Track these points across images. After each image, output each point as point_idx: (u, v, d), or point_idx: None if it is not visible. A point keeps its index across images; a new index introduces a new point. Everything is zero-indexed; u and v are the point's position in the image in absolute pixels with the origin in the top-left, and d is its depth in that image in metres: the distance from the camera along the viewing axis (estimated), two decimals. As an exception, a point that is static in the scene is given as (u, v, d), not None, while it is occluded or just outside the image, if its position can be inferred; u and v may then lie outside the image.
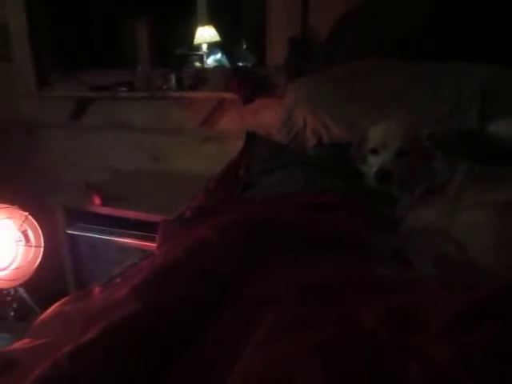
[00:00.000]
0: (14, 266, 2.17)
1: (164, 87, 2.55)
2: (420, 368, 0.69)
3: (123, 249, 2.23)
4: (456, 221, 1.17)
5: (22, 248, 2.19)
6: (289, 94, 1.98)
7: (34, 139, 3.09)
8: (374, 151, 1.38)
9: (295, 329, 0.79)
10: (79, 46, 3.04)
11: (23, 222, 2.18)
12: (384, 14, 1.96)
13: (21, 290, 2.30)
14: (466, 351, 0.70)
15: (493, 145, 1.41)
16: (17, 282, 2.21)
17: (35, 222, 2.24)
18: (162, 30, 2.91)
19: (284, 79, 2.16)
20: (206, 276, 0.95)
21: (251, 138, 1.80)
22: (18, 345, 0.95)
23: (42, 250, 2.23)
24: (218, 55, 2.98)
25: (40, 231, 2.24)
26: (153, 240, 1.65)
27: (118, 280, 1.18)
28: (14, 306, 2.30)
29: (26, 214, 2.20)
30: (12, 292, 2.29)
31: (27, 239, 2.21)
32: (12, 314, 2.29)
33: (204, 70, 2.70)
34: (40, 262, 2.22)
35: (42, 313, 1.11)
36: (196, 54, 2.84)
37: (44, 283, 2.22)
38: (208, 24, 2.98)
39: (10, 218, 2.17)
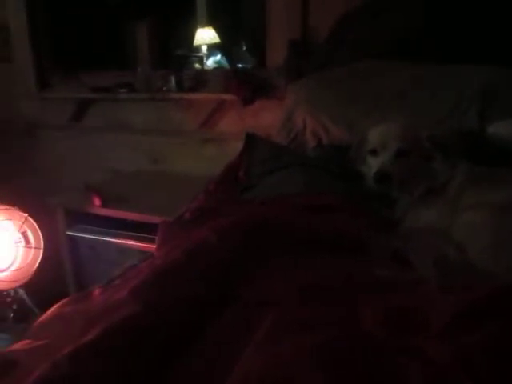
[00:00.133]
0: (13, 268, 2.17)
1: (164, 89, 2.55)
2: (420, 368, 0.69)
3: (123, 250, 2.23)
4: (455, 221, 1.17)
5: (21, 249, 2.19)
6: (289, 95, 1.98)
7: (35, 140, 3.09)
8: (374, 152, 1.38)
9: (295, 330, 0.79)
10: (79, 47, 3.04)
11: (23, 223, 2.18)
12: (384, 14, 1.97)
13: (21, 292, 2.30)
14: (465, 351, 0.70)
15: (492, 146, 1.41)
16: (17, 284, 2.21)
17: (35, 224, 2.24)
18: (162, 31, 2.92)
19: (284, 80, 2.16)
20: (206, 277, 0.95)
21: (251, 139, 1.80)
22: (17, 346, 0.95)
23: (41, 251, 2.23)
24: (218, 57, 2.98)
25: (40, 232, 2.24)
26: (152, 241, 1.65)
27: (117, 281, 1.18)
28: (14, 307, 2.30)
29: (26, 215, 2.20)
30: (12, 293, 2.29)
31: (27, 240, 2.21)
32: (12, 315, 2.29)
33: (204, 72, 2.70)
34: (40, 264, 2.22)
35: (42, 314, 1.11)
36: (196, 56, 2.85)
37: (44, 284, 2.22)
38: (208, 25, 2.98)
39: (10, 219, 2.17)
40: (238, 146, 1.87)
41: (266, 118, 2.34)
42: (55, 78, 2.99)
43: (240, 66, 2.85)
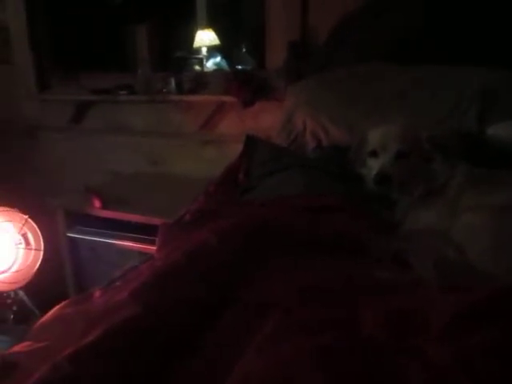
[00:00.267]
0: (14, 269, 2.17)
1: (164, 91, 2.55)
2: (420, 370, 0.69)
3: (123, 252, 2.24)
4: (455, 223, 1.17)
5: (22, 251, 2.20)
6: (288, 97, 1.98)
7: (35, 141, 3.09)
8: (374, 154, 1.38)
9: (295, 331, 0.79)
10: (80, 48, 3.04)
11: (23, 225, 2.19)
12: (385, 15, 1.97)
13: (21, 293, 2.30)
14: (465, 353, 0.70)
15: (492, 147, 1.41)
16: (17, 285, 2.21)
17: (35, 225, 2.24)
18: (162, 32, 2.92)
19: (283, 82, 2.16)
20: (206, 279, 0.95)
21: (251, 141, 1.81)
22: (18, 347, 0.95)
23: (41, 252, 2.23)
24: (218, 58, 2.99)
25: (40, 234, 2.24)
26: (152, 243, 1.65)
27: (118, 283, 1.18)
28: (14, 308, 2.30)
29: (26, 217, 2.20)
30: (12, 295, 2.29)
31: (27, 242, 2.21)
32: (12, 316, 2.29)
33: (204, 74, 2.71)
34: (40, 265, 2.22)
35: (42, 315, 1.11)
36: (196, 58, 2.85)
37: (44, 286, 2.22)
38: (207, 27, 2.99)
39: (11, 221, 2.18)
40: (237, 147, 1.87)
41: (266, 119, 2.34)
42: (55, 79, 2.99)
43: (240, 67, 2.85)
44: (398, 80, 1.75)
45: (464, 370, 0.68)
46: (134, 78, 2.68)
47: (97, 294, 1.12)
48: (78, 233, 2.38)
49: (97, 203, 2.25)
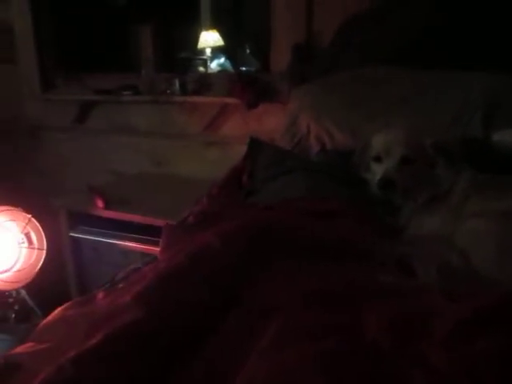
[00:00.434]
0: (16, 268, 2.17)
1: (168, 91, 2.56)
2: (423, 376, 0.69)
3: (126, 252, 2.24)
4: (459, 229, 1.17)
5: (24, 250, 2.19)
6: (292, 100, 1.98)
7: (38, 141, 3.10)
8: (378, 158, 1.38)
9: (299, 336, 0.79)
10: (84, 49, 3.04)
11: (26, 224, 2.19)
12: (389, 17, 1.97)
13: (23, 292, 2.30)
14: (469, 359, 0.70)
15: (497, 153, 1.41)
16: (19, 284, 2.21)
17: (38, 225, 2.24)
18: (167, 33, 2.92)
19: (288, 85, 2.16)
20: (209, 282, 0.95)
21: (255, 143, 1.81)
22: (21, 349, 0.95)
23: (44, 252, 2.23)
24: (222, 59, 2.99)
25: (43, 234, 2.24)
26: (155, 244, 1.66)
27: (121, 285, 1.18)
28: (16, 308, 2.30)
29: (30, 216, 2.20)
30: (14, 294, 2.29)
31: (30, 241, 2.21)
32: (13, 316, 2.29)
33: (208, 75, 2.71)
34: (42, 265, 2.22)
35: (44, 315, 1.11)
36: (200, 59, 2.86)
37: (46, 286, 2.22)
38: (212, 28, 2.99)
39: (14, 220, 2.18)
40: (241, 149, 1.87)
41: (270, 122, 2.34)
42: (59, 79, 3.00)
43: (244, 69, 2.85)
44: (401, 84, 1.76)
45: (468, 376, 0.67)
46: (138, 78, 2.69)
47: (100, 295, 1.11)
48: (80, 233, 2.37)
49: (100, 203, 2.25)
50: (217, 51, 3.01)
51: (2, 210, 2.16)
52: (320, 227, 1.20)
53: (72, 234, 2.38)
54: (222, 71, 2.91)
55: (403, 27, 1.93)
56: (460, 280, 1.05)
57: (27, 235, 2.21)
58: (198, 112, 2.62)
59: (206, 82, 2.56)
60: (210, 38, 3.01)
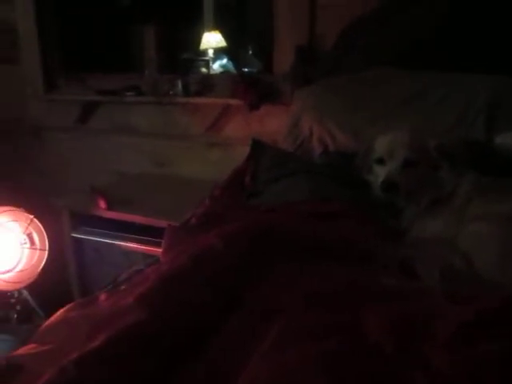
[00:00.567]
0: (18, 269, 2.18)
1: (170, 92, 2.56)
2: (425, 378, 0.69)
3: (127, 253, 2.24)
4: (462, 232, 1.17)
5: (26, 251, 2.20)
6: (295, 101, 1.98)
7: (41, 141, 3.10)
8: (381, 161, 1.38)
9: (301, 337, 0.79)
10: (87, 49, 3.05)
11: (29, 224, 2.19)
12: (392, 21, 1.97)
13: (25, 293, 2.31)
14: (471, 361, 0.70)
15: (500, 156, 1.41)
16: (21, 285, 2.22)
17: (40, 225, 2.25)
18: (169, 34, 2.92)
19: (290, 87, 2.16)
20: (212, 283, 0.95)
21: (257, 145, 1.81)
22: (23, 350, 0.96)
23: (46, 253, 2.24)
24: (224, 60, 2.99)
25: (45, 234, 2.25)
26: (157, 245, 1.66)
27: (123, 286, 1.19)
28: (18, 308, 2.31)
29: (32, 216, 2.21)
30: (16, 294, 2.30)
31: (32, 242, 2.21)
32: (15, 316, 2.30)
33: (210, 76, 2.71)
34: (44, 265, 2.22)
35: (46, 316, 1.12)
36: (202, 60, 2.85)
37: (48, 286, 2.22)
38: (214, 29, 3.00)
39: (16, 220, 2.18)
40: (243, 150, 1.87)
41: (272, 123, 2.34)
42: (62, 80, 2.99)
43: (246, 70, 2.85)
44: (404, 86, 1.75)
45: (470, 379, 0.68)
46: (140, 79, 2.69)
47: (102, 297, 1.12)
48: (82, 233, 2.38)
49: (102, 204, 2.25)
50: (219, 52, 3.01)
51: (5, 211, 2.17)
52: (322, 229, 1.20)
53: (74, 235, 2.39)
54: (225, 72, 2.91)
55: (406, 30, 1.93)
56: (462, 283, 1.05)
57: (29, 236, 2.21)
58: (200, 113, 2.62)
59: (208, 83, 2.56)
60: (212, 39, 3.01)
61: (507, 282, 1.01)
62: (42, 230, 2.25)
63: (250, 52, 3.06)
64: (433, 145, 1.33)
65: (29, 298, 2.32)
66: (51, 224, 2.31)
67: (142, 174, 2.78)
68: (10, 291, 2.26)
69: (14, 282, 2.18)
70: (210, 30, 2.98)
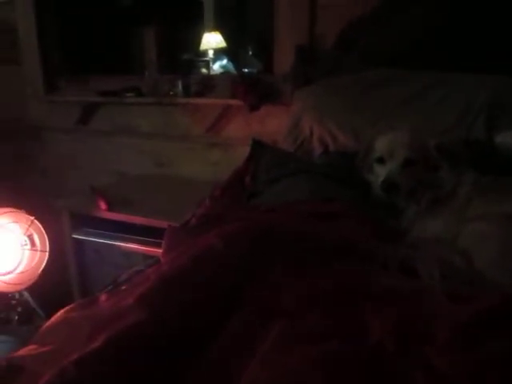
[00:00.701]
0: (19, 270, 2.17)
1: (171, 93, 2.56)
2: (425, 378, 0.69)
3: (128, 254, 2.24)
4: (462, 231, 1.17)
5: (27, 252, 2.20)
6: (295, 102, 1.98)
7: (41, 142, 3.10)
8: (381, 160, 1.38)
9: (301, 339, 0.79)
10: (87, 50, 3.05)
11: (29, 226, 2.19)
12: (392, 21, 1.97)
13: (26, 294, 2.31)
14: (472, 362, 0.70)
15: (500, 155, 1.41)
16: (22, 286, 2.22)
17: (41, 226, 2.24)
18: (170, 35, 2.93)
19: (290, 87, 2.16)
20: (212, 284, 0.95)
21: (257, 145, 1.81)
22: (24, 351, 0.96)
23: (47, 254, 2.23)
24: (224, 61, 3.00)
25: (45, 235, 2.25)
26: (157, 245, 1.66)
27: (123, 287, 1.18)
28: (19, 309, 2.30)
29: (32, 218, 2.21)
30: (17, 296, 2.30)
31: (33, 243, 2.21)
32: (16, 317, 2.30)
33: (210, 77, 2.71)
34: (45, 267, 2.22)
35: (47, 317, 1.12)
36: (202, 60, 2.86)
37: (49, 287, 2.22)
38: (214, 30, 3.00)
39: (17, 222, 2.18)
40: (244, 151, 1.87)
41: (272, 123, 2.34)
42: (63, 80, 3.00)
43: (246, 70, 2.86)
44: (404, 87, 1.75)
45: (470, 379, 0.68)
46: (141, 80, 2.69)
47: (103, 297, 1.12)
48: (83, 234, 2.37)
49: (103, 205, 2.25)
50: (219, 53, 3.01)
51: (5, 212, 2.16)
52: (322, 229, 1.19)
53: (74, 236, 2.38)
54: (225, 73, 2.91)
55: (406, 30, 1.93)
56: (463, 282, 1.05)
57: (30, 237, 2.21)
58: (200, 113, 2.62)
59: (208, 84, 2.56)
60: (212, 40, 3.01)
61: (507, 281, 1.01)
62: (43, 231, 2.25)
63: (250, 52, 3.06)
64: (433, 144, 1.33)
65: (29, 299, 2.32)
66: (52, 225, 2.31)
67: (142, 174, 2.78)
68: (11, 292, 2.26)
69: (15, 284, 2.18)
70: (210, 31, 2.99)
